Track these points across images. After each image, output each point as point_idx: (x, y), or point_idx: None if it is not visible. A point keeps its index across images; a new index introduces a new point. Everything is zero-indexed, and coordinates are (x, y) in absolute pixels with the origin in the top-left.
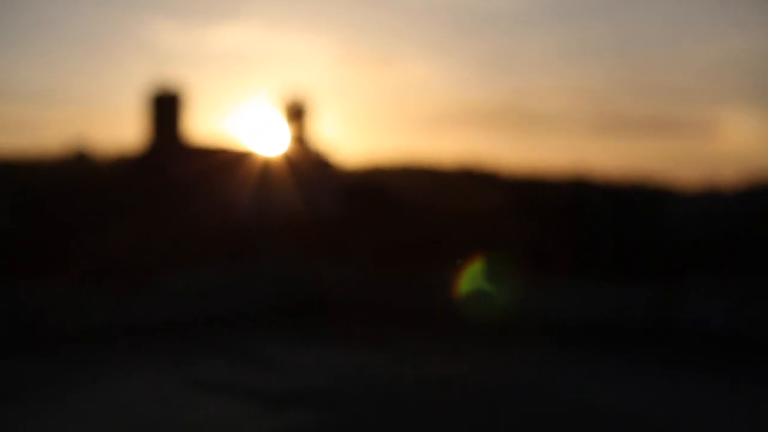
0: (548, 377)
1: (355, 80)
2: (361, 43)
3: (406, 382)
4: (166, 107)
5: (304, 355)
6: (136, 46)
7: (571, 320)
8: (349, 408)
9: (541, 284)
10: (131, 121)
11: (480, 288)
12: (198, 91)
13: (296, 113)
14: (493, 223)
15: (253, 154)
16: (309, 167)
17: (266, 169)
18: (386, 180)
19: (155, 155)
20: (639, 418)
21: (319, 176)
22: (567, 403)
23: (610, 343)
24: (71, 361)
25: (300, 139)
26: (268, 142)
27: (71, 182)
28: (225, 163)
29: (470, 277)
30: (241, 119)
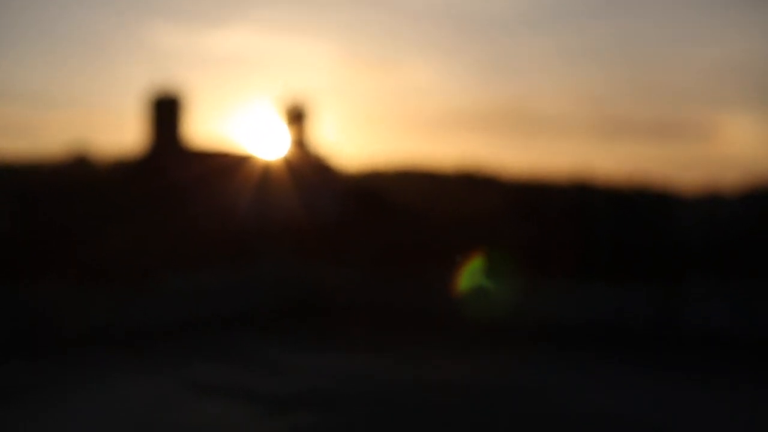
0: (549, 379)
1: (356, 83)
2: (362, 47)
3: (407, 384)
4: (166, 110)
5: (304, 357)
6: (136, 49)
7: (572, 322)
8: (349, 410)
9: (542, 286)
10: (131, 123)
11: (479, 285)
12: (198, 94)
13: (296, 116)
14: (494, 226)
15: (254, 158)
16: (309, 170)
17: (266, 173)
18: (387, 183)
19: (155, 158)
20: (640, 421)
21: (319, 179)
22: (568, 405)
23: (611, 345)
24: (71, 363)
25: (300, 143)
26: (268, 145)
27: (71, 185)
28: (225, 166)
29: (470, 274)
30: (241, 122)
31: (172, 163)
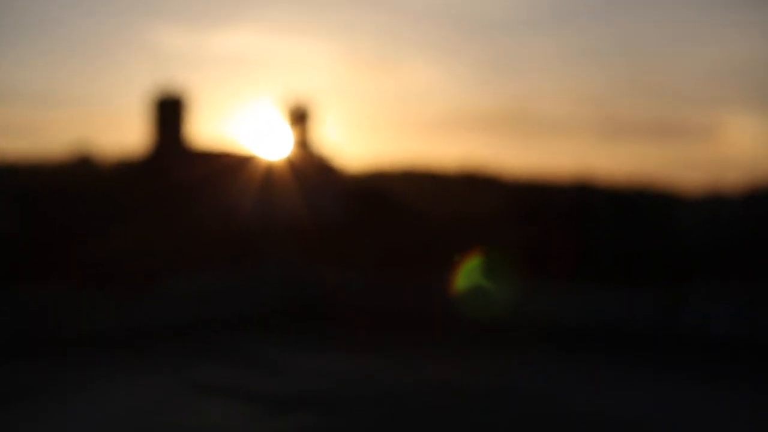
0: (550, 381)
1: (359, 84)
2: (365, 48)
3: (408, 385)
4: (169, 111)
5: (307, 358)
6: (139, 49)
7: (573, 323)
8: (350, 411)
9: (543, 287)
10: (134, 124)
11: (480, 285)
12: (201, 95)
13: (299, 117)
14: (496, 227)
15: (256, 158)
16: (312, 171)
17: (269, 173)
18: (389, 184)
19: (158, 159)
20: (640, 422)
21: (322, 180)
22: (568, 406)
23: (611, 347)
24: (73, 364)
25: (303, 143)
26: (271, 146)
27: (73, 185)
28: (228, 167)
29: (468, 272)
30: (244, 123)
31: (174, 164)
